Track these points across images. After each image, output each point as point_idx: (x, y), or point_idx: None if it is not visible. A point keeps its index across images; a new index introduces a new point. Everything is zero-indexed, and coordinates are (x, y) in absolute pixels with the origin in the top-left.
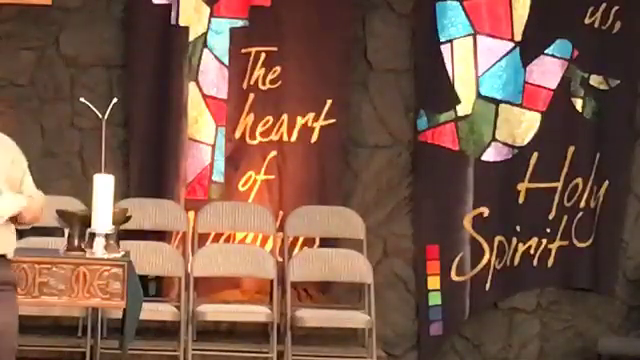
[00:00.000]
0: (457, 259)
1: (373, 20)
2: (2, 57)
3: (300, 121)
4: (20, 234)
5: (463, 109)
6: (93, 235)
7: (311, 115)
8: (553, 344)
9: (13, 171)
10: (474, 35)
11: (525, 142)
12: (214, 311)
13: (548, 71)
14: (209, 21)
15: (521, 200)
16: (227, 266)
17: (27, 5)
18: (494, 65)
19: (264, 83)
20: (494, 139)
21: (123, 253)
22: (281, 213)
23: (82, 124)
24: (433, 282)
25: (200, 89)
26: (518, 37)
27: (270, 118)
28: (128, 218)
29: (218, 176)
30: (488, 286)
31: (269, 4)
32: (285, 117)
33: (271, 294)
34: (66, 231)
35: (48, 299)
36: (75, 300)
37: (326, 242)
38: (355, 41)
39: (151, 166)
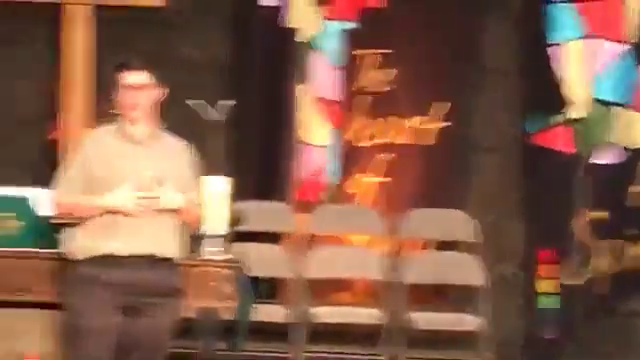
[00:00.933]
0: (570, 262)
1: (487, 22)
2: (115, 59)
3: (413, 123)
4: None
5: (576, 112)
6: (206, 237)
7: (424, 117)
8: None
9: (184, 177)
10: (587, 37)
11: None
12: (326, 313)
13: None
14: (321, 23)
15: (635, 203)
16: (339, 268)
17: (140, 7)
18: (607, 67)
19: (377, 85)
20: (608, 142)
21: (236, 255)
22: (393, 215)
23: (193, 126)
24: (546, 286)
25: (311, 91)
26: (632, 39)
27: (382, 120)
28: (241, 220)
29: (330, 178)
30: (602, 290)
31: (381, 6)
32: (397, 119)
33: (383, 297)
34: None
35: None
36: (188, 301)
37: (439, 245)
38: (469, 43)
39: (263, 168)
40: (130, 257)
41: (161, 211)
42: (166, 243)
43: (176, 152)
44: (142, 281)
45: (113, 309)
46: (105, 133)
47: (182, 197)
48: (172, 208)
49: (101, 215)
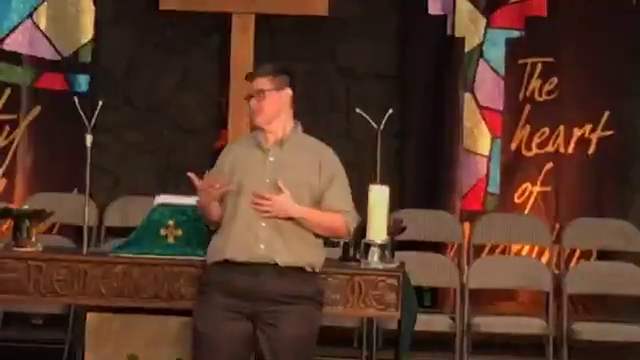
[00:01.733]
0: None
1: None
2: None
3: (577, 133)
4: None
5: None
6: (368, 245)
7: (588, 127)
8: None
9: (315, 179)
10: None
11: None
12: (489, 323)
13: None
14: (485, 32)
15: None
16: (502, 278)
17: (303, 16)
18: None
19: (540, 94)
20: None
21: (398, 264)
22: (557, 225)
23: (356, 135)
24: None
25: (476, 100)
26: None
27: (546, 130)
28: (403, 229)
29: (494, 187)
30: None
31: (546, 14)
32: (561, 129)
33: (547, 307)
34: (341, 241)
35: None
36: (350, 310)
37: (603, 255)
38: (635, 52)
39: (426, 177)
40: (249, 264)
41: (283, 218)
42: (289, 251)
43: (308, 159)
44: (262, 288)
45: (233, 315)
46: (241, 142)
47: (300, 208)
48: (291, 217)
49: (222, 221)
